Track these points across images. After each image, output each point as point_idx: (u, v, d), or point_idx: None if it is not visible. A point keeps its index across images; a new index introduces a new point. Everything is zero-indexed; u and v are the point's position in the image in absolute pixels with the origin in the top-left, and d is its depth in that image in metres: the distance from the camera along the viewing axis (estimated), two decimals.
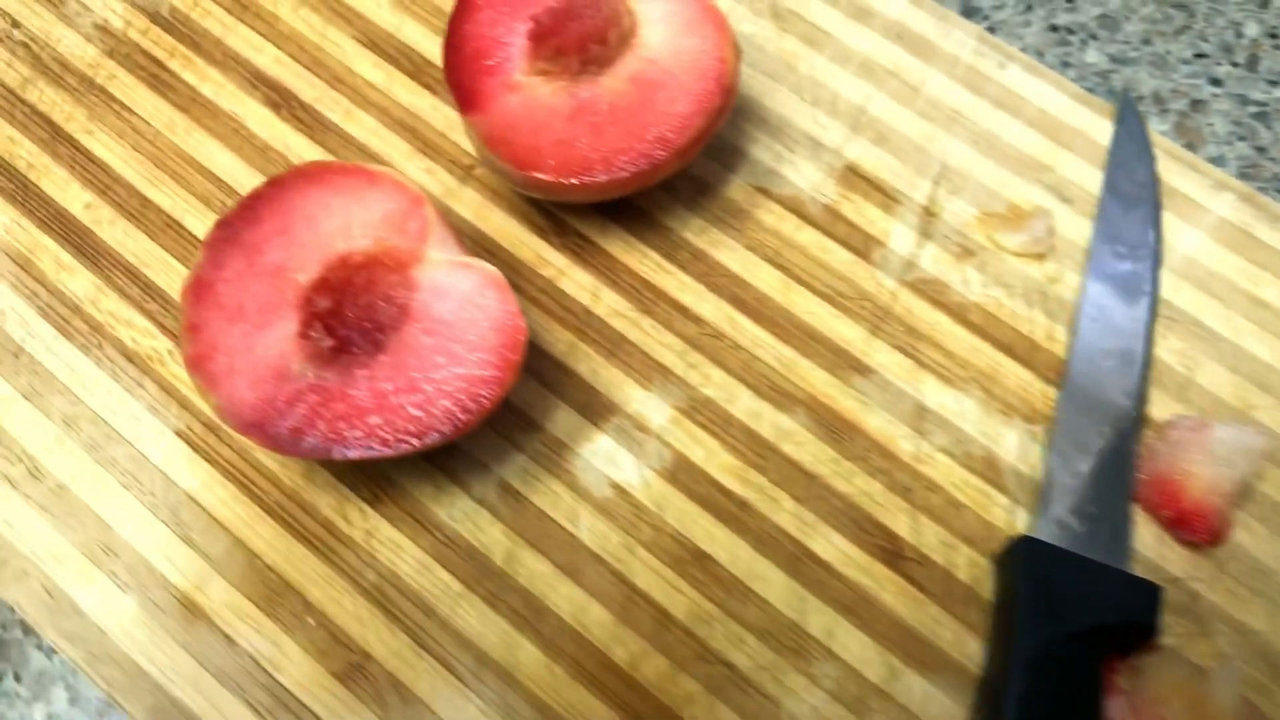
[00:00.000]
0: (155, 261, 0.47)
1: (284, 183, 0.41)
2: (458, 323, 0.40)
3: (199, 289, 0.40)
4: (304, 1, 0.53)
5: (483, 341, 0.39)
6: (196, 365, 0.39)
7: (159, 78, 0.51)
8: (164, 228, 0.48)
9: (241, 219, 0.41)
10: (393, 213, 0.41)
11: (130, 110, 0.50)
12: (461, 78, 0.45)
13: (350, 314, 0.40)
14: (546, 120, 0.44)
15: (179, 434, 0.44)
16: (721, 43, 0.45)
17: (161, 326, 0.46)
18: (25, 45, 0.51)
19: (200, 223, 0.48)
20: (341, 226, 0.41)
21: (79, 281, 0.46)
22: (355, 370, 0.39)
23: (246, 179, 0.49)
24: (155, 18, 0.53)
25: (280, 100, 0.51)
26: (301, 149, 0.50)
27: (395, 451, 0.38)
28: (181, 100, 0.51)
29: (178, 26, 0.53)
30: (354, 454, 0.38)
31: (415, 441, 0.38)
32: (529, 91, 0.45)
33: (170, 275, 0.47)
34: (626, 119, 0.44)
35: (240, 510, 0.42)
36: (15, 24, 0.52)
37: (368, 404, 0.38)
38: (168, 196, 0.48)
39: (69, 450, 0.43)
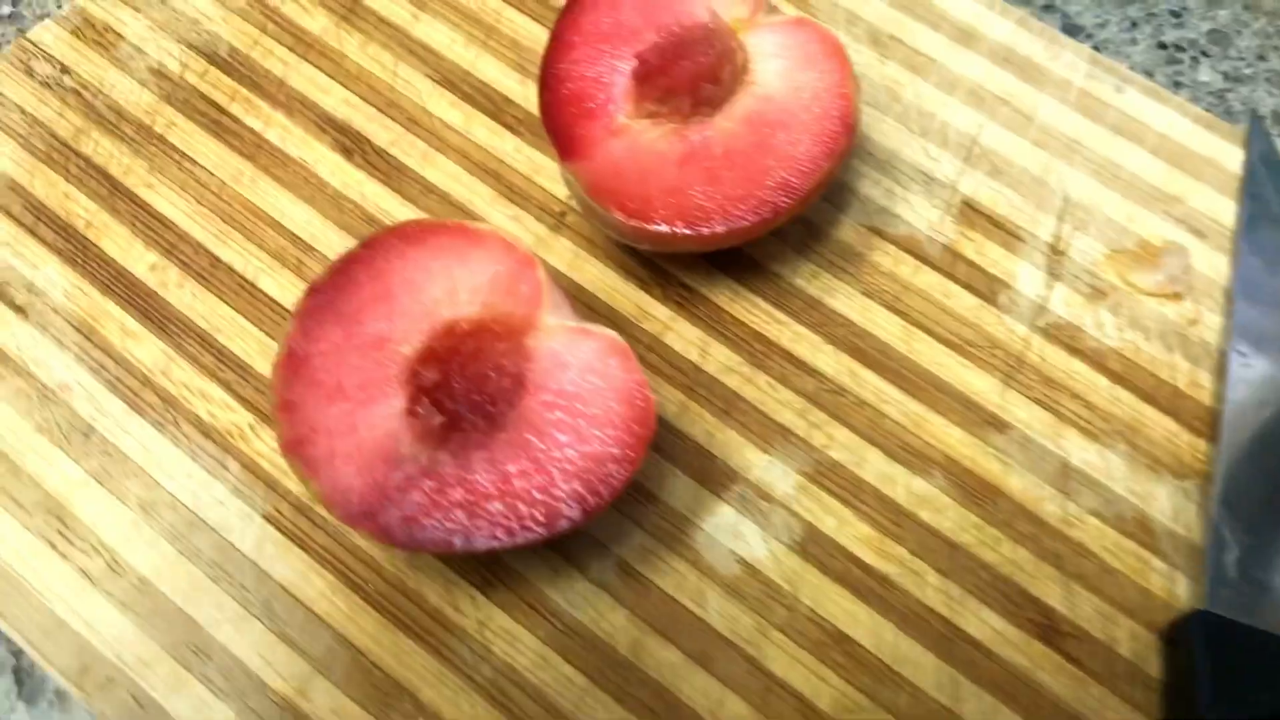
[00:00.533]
0: (228, 326, 0.43)
1: (380, 244, 0.38)
2: (580, 395, 0.36)
3: (292, 364, 0.36)
4: (371, 38, 0.50)
5: (609, 416, 0.36)
6: (295, 449, 0.35)
7: (221, 123, 0.47)
8: (236, 289, 0.44)
9: (335, 285, 0.37)
10: (501, 275, 0.37)
11: (192, 160, 0.47)
12: (560, 122, 0.42)
13: (459, 387, 0.36)
14: (656, 166, 0.41)
15: (268, 518, 0.40)
16: (843, 77, 0.41)
17: (240, 398, 0.42)
18: (76, 93, 0.48)
19: (274, 282, 0.44)
20: (446, 292, 0.37)
21: (147, 350, 0.43)
22: (471, 450, 0.35)
23: (321, 232, 0.45)
24: (213, 59, 0.49)
25: (352, 144, 0.47)
26: (377, 197, 0.46)
27: (522, 542, 0.34)
28: (246, 147, 0.47)
29: (237, 68, 0.49)
30: (477, 546, 0.34)
31: (542, 531, 0.35)
32: (635, 135, 0.41)
33: (246, 341, 0.43)
34: (744, 163, 0.40)
35: (340, 602, 0.39)
36: (65, 70, 0.48)
37: (488, 489, 0.35)
38: (238, 254, 0.45)
39: (149, 540, 0.39)
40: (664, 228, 0.40)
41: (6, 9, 0.54)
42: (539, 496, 0.35)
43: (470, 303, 0.37)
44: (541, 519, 0.35)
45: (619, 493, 0.35)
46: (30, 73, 0.48)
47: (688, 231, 0.40)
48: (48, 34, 0.49)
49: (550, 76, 0.42)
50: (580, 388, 0.36)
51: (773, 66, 0.42)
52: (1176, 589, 0.40)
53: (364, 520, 0.35)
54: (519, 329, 0.37)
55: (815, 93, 0.41)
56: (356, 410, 0.36)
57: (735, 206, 0.40)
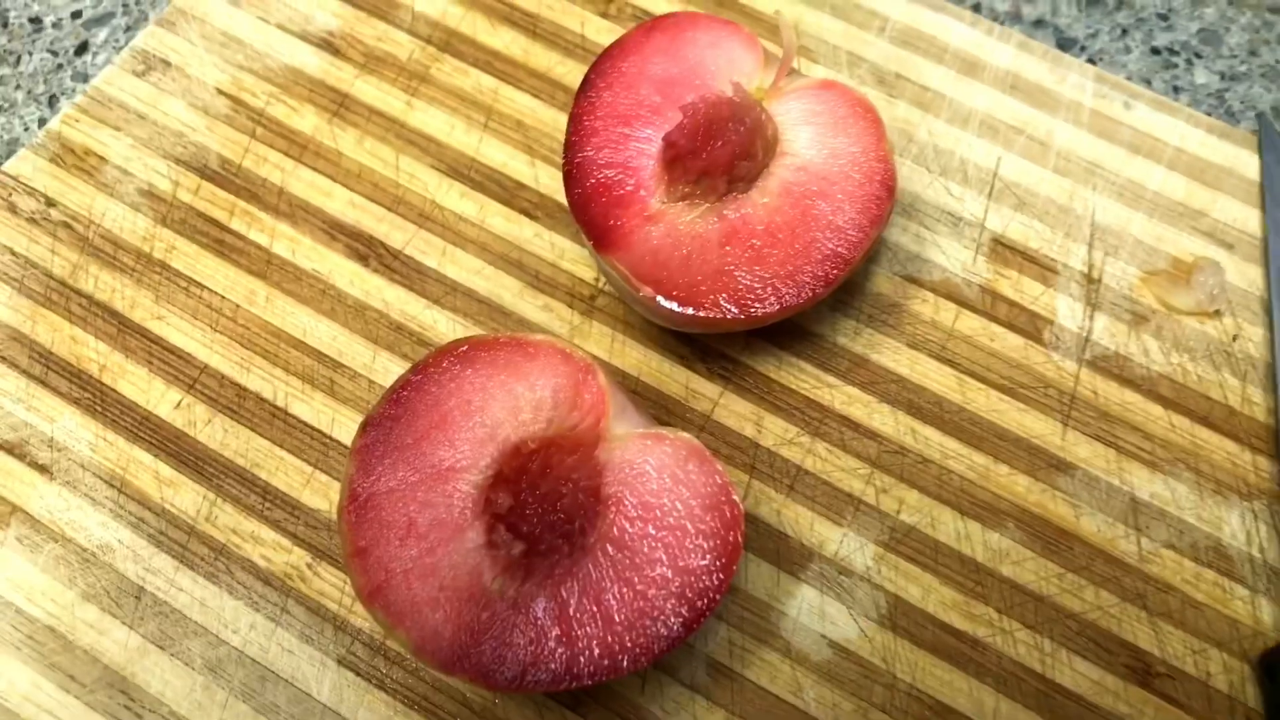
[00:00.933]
0: (266, 460, 0.41)
1: (433, 368, 0.36)
2: (663, 507, 0.35)
3: (357, 506, 0.35)
4: (367, 132, 0.48)
5: (697, 526, 0.35)
6: (375, 598, 0.34)
7: (224, 242, 0.45)
8: (268, 418, 0.42)
9: (391, 416, 0.36)
10: (562, 387, 0.36)
11: (200, 285, 0.45)
12: (592, 214, 0.40)
13: (534, 509, 0.35)
14: (698, 250, 0.40)
15: (341, 662, 0.38)
16: (879, 137, 0.40)
17: (292, 536, 0.40)
18: (66, 225, 0.45)
19: (307, 406, 0.42)
20: (509, 411, 0.36)
21: (187, 497, 0.41)
22: (560, 579, 0.34)
23: (348, 346, 0.43)
24: (205, 172, 0.47)
25: (366, 249, 0.45)
26: (401, 303, 0.44)
27: (630, 670, 0.33)
28: (255, 265, 0.45)
29: (232, 179, 0.47)
30: (586, 683, 0.33)
31: (645, 660, 0.33)
32: (672, 220, 0.40)
33: (288, 474, 0.41)
34: (789, 238, 0.39)
35: None
36: (50, 202, 0.46)
37: (586, 619, 0.34)
38: (265, 381, 0.43)
39: (221, 702, 0.38)
40: (714, 313, 0.39)
41: None
42: (640, 622, 0.34)
43: (534, 420, 0.36)
44: (645, 644, 0.34)
45: (718, 605, 0.34)
46: (14, 209, 0.46)
47: (739, 315, 0.39)
48: (25, 165, 0.47)
49: (575, 167, 0.41)
50: (662, 500, 0.35)
51: (804, 134, 0.41)
52: (1262, 615, 0.40)
53: (461, 667, 0.33)
54: (588, 441, 0.36)
55: (852, 158, 0.40)
56: (434, 549, 0.35)
57: (785, 284, 0.39)
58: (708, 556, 0.34)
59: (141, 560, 0.40)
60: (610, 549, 0.35)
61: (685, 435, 0.36)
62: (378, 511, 0.35)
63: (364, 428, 0.36)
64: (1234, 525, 0.42)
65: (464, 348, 0.37)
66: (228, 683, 0.38)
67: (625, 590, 0.34)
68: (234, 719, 0.38)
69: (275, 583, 0.40)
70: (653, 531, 0.35)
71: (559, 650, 0.33)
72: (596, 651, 0.33)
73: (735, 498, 0.35)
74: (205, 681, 0.38)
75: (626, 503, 0.35)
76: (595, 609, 0.34)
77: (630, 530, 0.35)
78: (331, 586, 0.39)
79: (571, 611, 0.34)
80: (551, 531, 0.35)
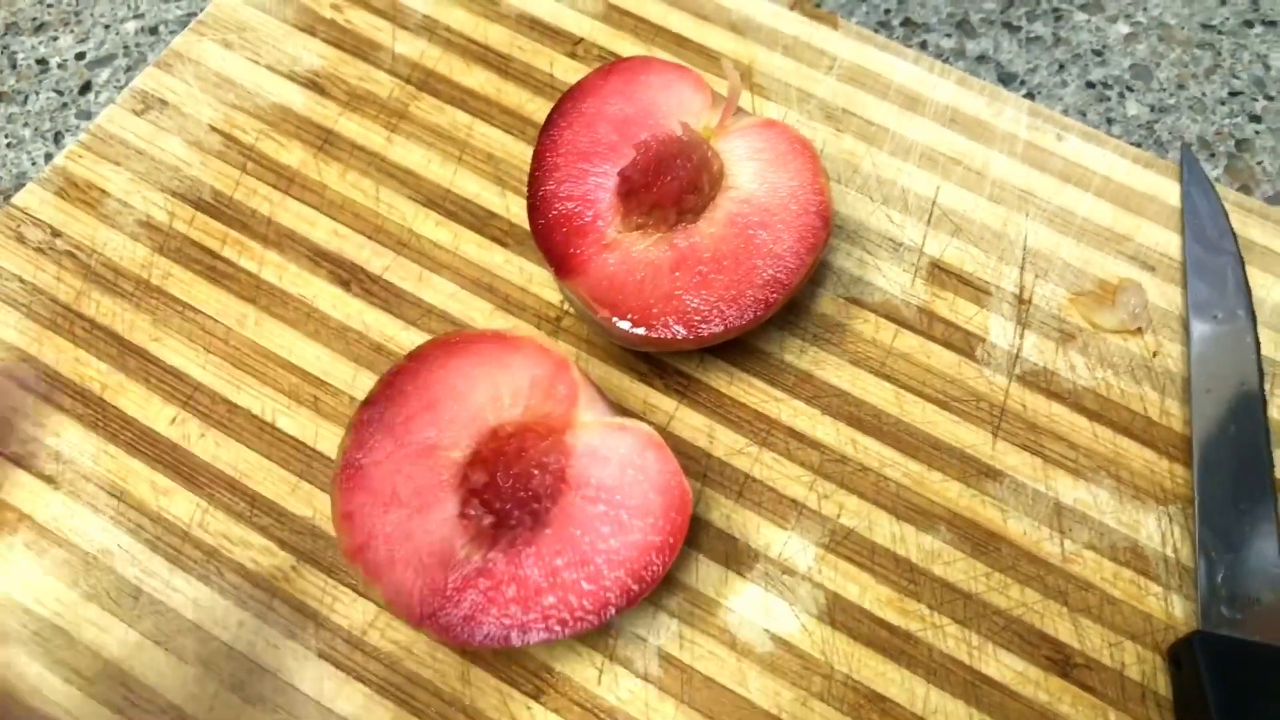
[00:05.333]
0: (255, 470, 0.45)
1: (424, 356, 0.40)
2: (619, 488, 0.39)
3: (349, 475, 0.39)
4: (350, 166, 0.52)
5: (648, 506, 0.38)
6: (357, 556, 0.38)
7: (216, 269, 0.49)
8: (257, 432, 0.46)
9: (385, 398, 0.40)
10: (540, 378, 0.40)
11: (194, 309, 0.48)
12: (553, 243, 0.44)
13: (506, 486, 0.39)
14: (650, 276, 0.43)
15: (322, 655, 0.42)
16: (815, 172, 0.44)
17: (278, 540, 0.44)
18: (71, 254, 0.49)
19: (293, 421, 0.46)
20: (490, 398, 0.40)
21: (181, 504, 0.44)
22: (520, 547, 0.38)
23: (331, 366, 0.47)
24: (199, 204, 0.51)
25: (348, 275, 0.49)
26: (380, 324, 0.48)
27: (575, 631, 0.37)
28: (246, 290, 0.49)
29: (224, 210, 0.50)
30: (534, 639, 0.37)
31: (594, 619, 0.37)
32: (626, 248, 0.44)
33: (275, 483, 0.45)
34: (733, 265, 0.43)
35: None
36: (56, 233, 0.49)
37: (540, 583, 0.38)
38: (254, 398, 0.46)
39: (212, 693, 0.41)
40: (665, 334, 0.42)
41: None
42: (588, 587, 0.37)
43: (512, 406, 0.40)
44: (591, 609, 0.37)
45: (660, 579, 0.38)
46: (22, 240, 0.49)
47: (688, 335, 0.42)
48: (33, 197, 0.50)
49: (538, 200, 0.44)
50: (619, 480, 0.39)
51: (748, 169, 0.44)
52: (1174, 610, 0.44)
53: (427, 621, 0.37)
54: (559, 427, 0.40)
55: (791, 190, 0.44)
56: (413, 516, 0.38)
57: (729, 306, 0.43)
58: (655, 534, 0.38)
59: (139, 563, 0.43)
60: (567, 524, 0.38)
61: (646, 427, 0.40)
62: (367, 481, 0.38)
63: (361, 407, 0.39)
64: (1150, 528, 0.45)
65: (453, 338, 0.40)
66: (218, 675, 0.41)
67: (577, 560, 0.38)
68: (224, 708, 0.41)
69: (262, 583, 0.43)
70: (606, 509, 0.38)
71: (513, 609, 0.37)
72: (547, 613, 0.37)
73: (685, 483, 0.39)
74: (198, 674, 0.41)
75: (586, 483, 0.39)
76: (549, 576, 0.38)
77: (587, 509, 0.39)
78: (313, 587, 0.43)
79: (528, 577, 0.37)
80: (519, 507, 0.39)
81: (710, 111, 0.46)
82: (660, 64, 0.46)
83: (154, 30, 0.58)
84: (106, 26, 0.58)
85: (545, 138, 0.46)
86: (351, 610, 0.43)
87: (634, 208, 0.44)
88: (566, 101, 0.46)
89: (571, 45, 0.55)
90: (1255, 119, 0.57)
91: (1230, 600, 0.42)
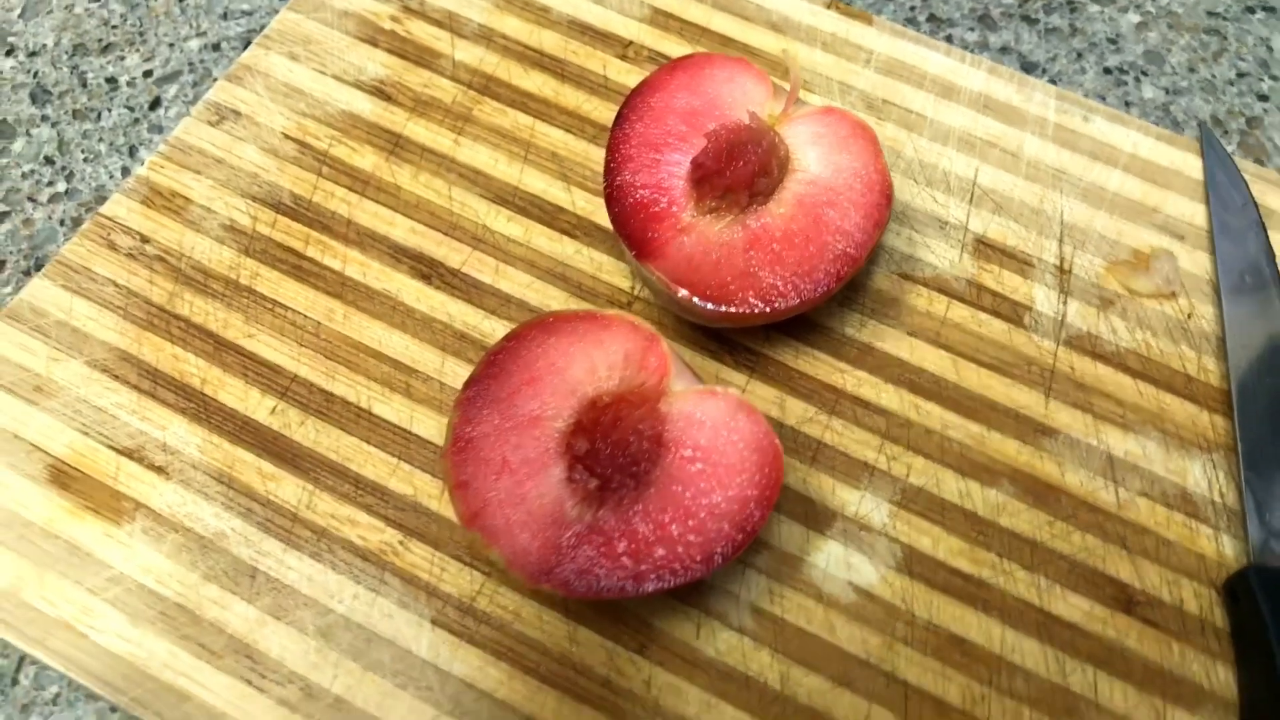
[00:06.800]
0: (356, 454, 0.47)
1: (523, 336, 0.43)
2: (715, 448, 0.42)
3: (460, 447, 0.41)
4: (421, 168, 0.54)
5: (744, 463, 0.41)
6: (473, 521, 0.40)
7: (301, 267, 0.52)
8: (354, 419, 0.48)
9: (489, 375, 0.42)
10: (632, 352, 0.43)
11: (284, 306, 0.51)
12: (632, 229, 0.47)
13: (607, 452, 0.41)
14: (726, 256, 0.46)
15: (435, 622, 0.44)
16: (876, 153, 0.47)
17: (383, 518, 0.46)
18: (161, 259, 0.51)
19: (388, 407, 0.48)
20: (587, 371, 0.42)
21: (288, 489, 0.47)
22: (628, 506, 0.41)
23: (420, 355, 0.50)
24: (279, 207, 0.53)
25: (428, 269, 0.52)
26: (463, 315, 0.51)
27: (687, 580, 0.40)
28: (331, 287, 0.51)
29: (303, 213, 0.53)
30: (648, 588, 0.39)
31: (703, 568, 0.40)
32: (701, 230, 0.47)
33: (375, 465, 0.47)
34: (804, 242, 0.46)
35: (519, 686, 0.43)
36: (145, 239, 0.52)
37: (650, 537, 0.40)
38: (349, 387, 0.49)
39: (334, 662, 0.43)
40: (743, 309, 0.45)
41: (61, 185, 0.58)
42: (694, 539, 0.40)
43: (608, 379, 0.43)
44: (699, 558, 0.40)
45: (761, 527, 0.41)
46: (113, 247, 0.52)
47: (765, 308, 0.45)
48: (120, 207, 0.53)
49: (615, 189, 0.47)
50: (715, 441, 0.42)
51: (812, 153, 0.47)
52: (1224, 549, 0.47)
53: (544, 577, 0.40)
54: (652, 397, 0.43)
55: (854, 171, 0.47)
56: (523, 482, 0.41)
57: (803, 280, 0.46)
58: (752, 488, 0.41)
59: (253, 544, 0.46)
60: (670, 484, 0.41)
61: (735, 391, 0.43)
62: (476, 452, 0.41)
63: (467, 385, 0.42)
64: (1196, 474, 0.48)
65: (550, 319, 0.43)
66: (338, 645, 0.44)
67: (682, 515, 0.41)
68: (345, 675, 0.43)
69: (372, 558, 0.46)
70: (705, 468, 0.41)
71: (626, 561, 0.40)
72: (658, 564, 0.40)
73: (775, 440, 0.42)
74: (318, 645, 0.44)
75: (684, 445, 0.41)
76: (658, 530, 0.40)
77: (687, 469, 0.41)
78: (421, 560, 0.45)
79: (637, 532, 0.40)
80: (621, 471, 0.41)
81: (773, 101, 0.49)
82: (722, 59, 0.49)
83: (216, 47, 0.61)
84: (171, 45, 0.61)
85: (618, 132, 0.48)
86: (460, 579, 0.45)
87: (707, 192, 0.47)
88: (635, 97, 0.49)
89: (622, 48, 0.58)
90: (1263, 98, 0.60)
91: (1278, 535, 0.46)
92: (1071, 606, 0.46)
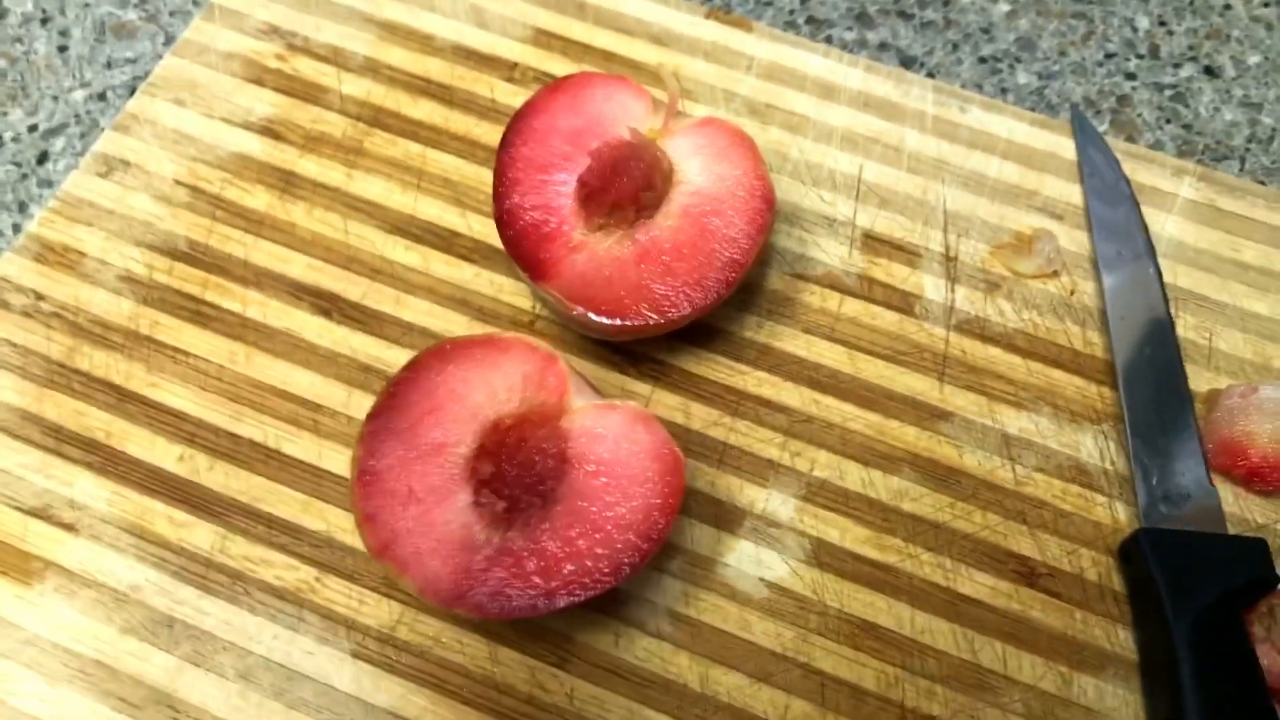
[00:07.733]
0: (267, 495, 0.48)
1: (422, 365, 0.44)
2: (617, 461, 0.42)
3: (366, 480, 0.42)
4: (315, 204, 0.55)
5: (645, 472, 0.42)
6: (384, 552, 0.41)
7: (201, 312, 0.52)
8: (263, 459, 0.48)
9: (390, 407, 0.43)
10: (530, 373, 0.44)
11: (185, 352, 0.51)
12: (525, 251, 0.48)
13: (512, 474, 0.42)
14: (618, 270, 0.47)
15: (356, 655, 0.45)
16: (756, 160, 0.49)
17: (298, 555, 0.46)
18: (57, 315, 0.51)
19: (296, 445, 0.49)
20: (487, 395, 0.43)
21: (200, 535, 0.47)
22: (535, 525, 0.41)
23: (325, 390, 0.50)
24: (175, 254, 0.53)
25: (329, 304, 0.52)
26: (365, 346, 0.51)
27: (597, 592, 0.41)
28: (232, 329, 0.51)
29: (200, 257, 0.53)
30: (560, 604, 0.40)
31: (611, 579, 0.41)
32: (592, 247, 0.48)
33: (288, 504, 0.47)
34: (692, 252, 0.47)
35: (444, 712, 0.44)
36: (39, 296, 0.52)
37: (559, 553, 0.41)
38: (255, 428, 0.49)
39: (256, 704, 0.44)
40: (637, 321, 0.46)
41: None
42: (602, 551, 0.41)
43: (508, 401, 0.43)
44: (608, 570, 0.41)
45: (666, 536, 0.42)
46: (7, 306, 0.51)
47: (659, 319, 0.46)
48: (11, 266, 0.52)
49: (505, 213, 0.48)
50: (616, 454, 0.43)
51: (694, 164, 0.49)
52: (1119, 515, 0.49)
53: (457, 603, 0.40)
54: (553, 415, 0.43)
55: (735, 179, 0.48)
56: (430, 510, 0.42)
57: (694, 289, 0.47)
58: (656, 497, 0.42)
59: (168, 593, 0.46)
60: (575, 499, 0.42)
61: (633, 404, 0.44)
62: (382, 484, 0.42)
63: (369, 418, 0.43)
64: (1089, 446, 0.50)
65: (447, 346, 0.44)
66: (259, 687, 0.44)
67: (589, 529, 0.41)
68: (269, 715, 0.44)
69: (289, 597, 0.46)
70: (608, 481, 0.42)
71: (536, 580, 0.41)
72: (568, 580, 0.41)
73: (675, 449, 0.43)
74: (240, 688, 0.44)
75: (586, 460, 0.42)
76: (565, 546, 0.41)
77: (591, 483, 0.42)
78: (339, 594, 0.46)
79: (547, 550, 0.41)
80: (527, 491, 0.42)
81: (652, 116, 0.50)
82: (601, 77, 0.50)
83: (102, 96, 0.60)
84: (55, 97, 0.60)
85: (504, 155, 0.49)
86: (379, 610, 0.46)
87: (594, 210, 0.48)
88: (518, 120, 0.50)
89: (508, 70, 0.59)
90: (1130, 76, 0.63)
91: (1165, 498, 0.48)
92: (977, 584, 0.47)
